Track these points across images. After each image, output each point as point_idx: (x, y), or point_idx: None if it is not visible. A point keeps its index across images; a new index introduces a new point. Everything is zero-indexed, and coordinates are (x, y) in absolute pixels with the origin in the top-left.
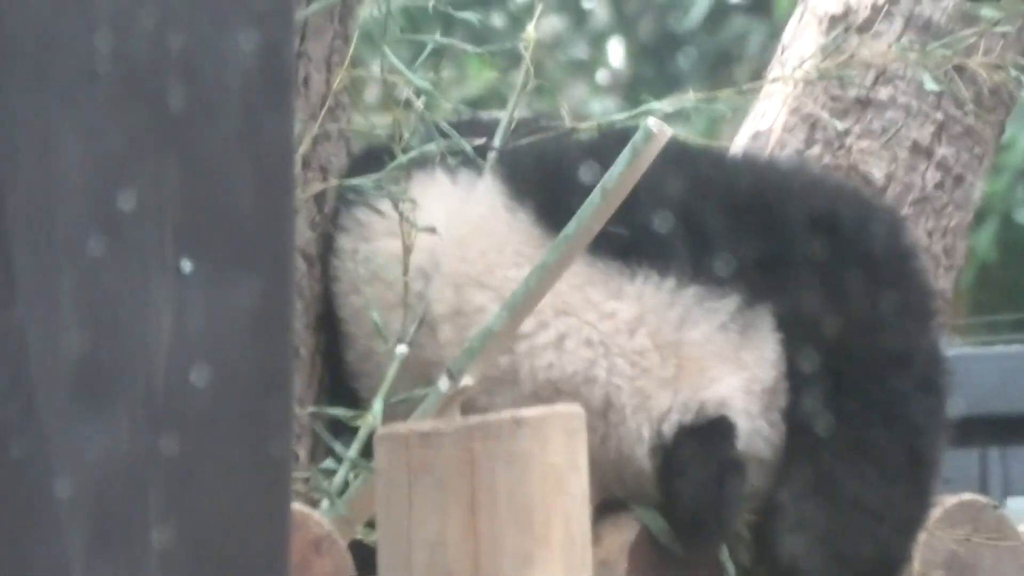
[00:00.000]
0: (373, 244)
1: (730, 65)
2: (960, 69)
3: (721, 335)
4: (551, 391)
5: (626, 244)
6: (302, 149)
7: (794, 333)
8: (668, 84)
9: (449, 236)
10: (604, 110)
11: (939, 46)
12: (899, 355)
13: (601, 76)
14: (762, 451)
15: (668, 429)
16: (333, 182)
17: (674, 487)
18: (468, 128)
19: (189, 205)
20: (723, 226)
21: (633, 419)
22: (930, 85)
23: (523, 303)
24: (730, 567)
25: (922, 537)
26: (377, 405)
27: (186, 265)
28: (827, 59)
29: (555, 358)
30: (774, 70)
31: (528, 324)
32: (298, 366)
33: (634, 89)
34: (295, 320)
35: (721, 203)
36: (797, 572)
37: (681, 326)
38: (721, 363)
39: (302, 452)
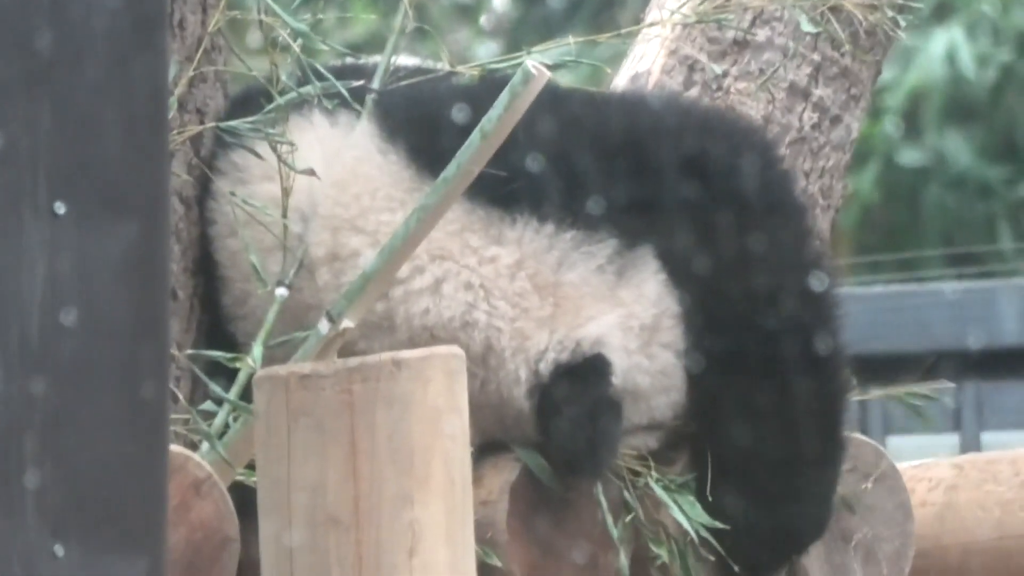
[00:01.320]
0: (250, 187)
1: (613, 9)
2: (836, 10)
3: (598, 276)
4: (427, 338)
5: (505, 190)
6: (178, 91)
7: (677, 271)
8: (551, 28)
9: (326, 179)
10: (488, 54)
11: None
12: (777, 286)
13: (485, 20)
14: (642, 385)
15: (545, 368)
16: (210, 124)
17: (551, 426)
18: (348, 72)
19: (61, 148)
20: (600, 170)
21: (512, 361)
22: (806, 26)
23: (402, 245)
24: (603, 503)
25: None
26: (257, 348)
27: (59, 208)
28: (705, 2)
29: (431, 303)
30: (652, 12)
31: (403, 270)
32: (176, 309)
33: (517, 33)
34: (171, 263)
35: (597, 147)
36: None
37: (559, 268)
38: (597, 303)
39: (181, 395)
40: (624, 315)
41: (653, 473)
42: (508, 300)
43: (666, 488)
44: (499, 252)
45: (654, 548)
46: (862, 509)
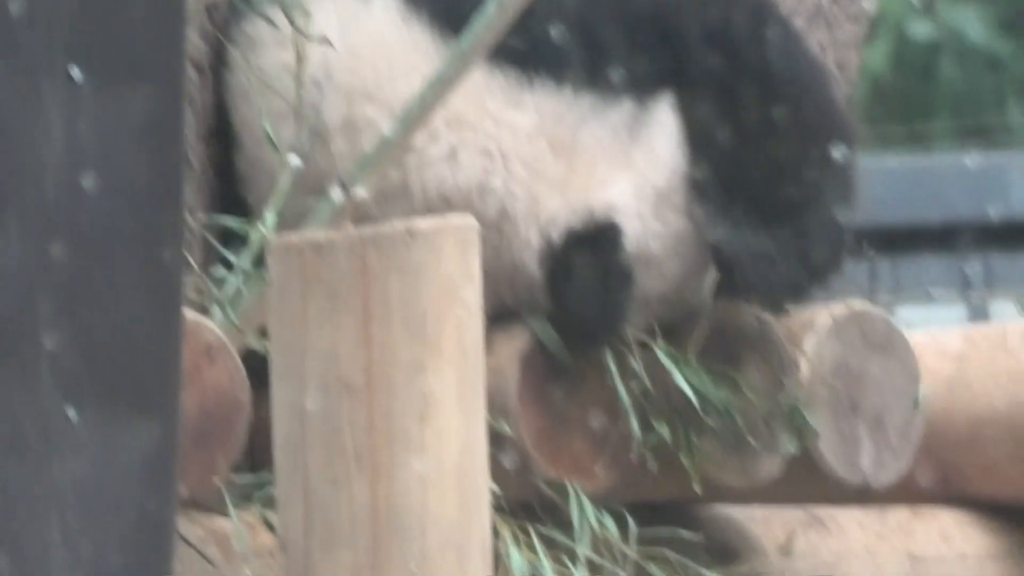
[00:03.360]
0: (262, 55)
1: None
2: None
3: (613, 138)
4: (443, 206)
5: (524, 53)
6: None
7: (693, 135)
8: None
9: (342, 47)
10: None
11: None
12: (797, 148)
13: None
14: (655, 251)
15: (557, 234)
16: None
17: (561, 293)
18: None
19: (79, 13)
20: (617, 34)
21: (524, 226)
22: None
23: (416, 115)
24: (613, 369)
25: (810, 345)
26: (270, 214)
27: (76, 73)
28: None
29: (448, 171)
30: None
31: (418, 138)
32: (189, 176)
33: None
34: (187, 129)
35: (616, 10)
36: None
37: (575, 131)
38: (611, 166)
39: (194, 261)
40: (638, 178)
41: (660, 342)
42: (524, 164)
43: (673, 359)
44: (517, 115)
45: (655, 424)
46: (870, 381)
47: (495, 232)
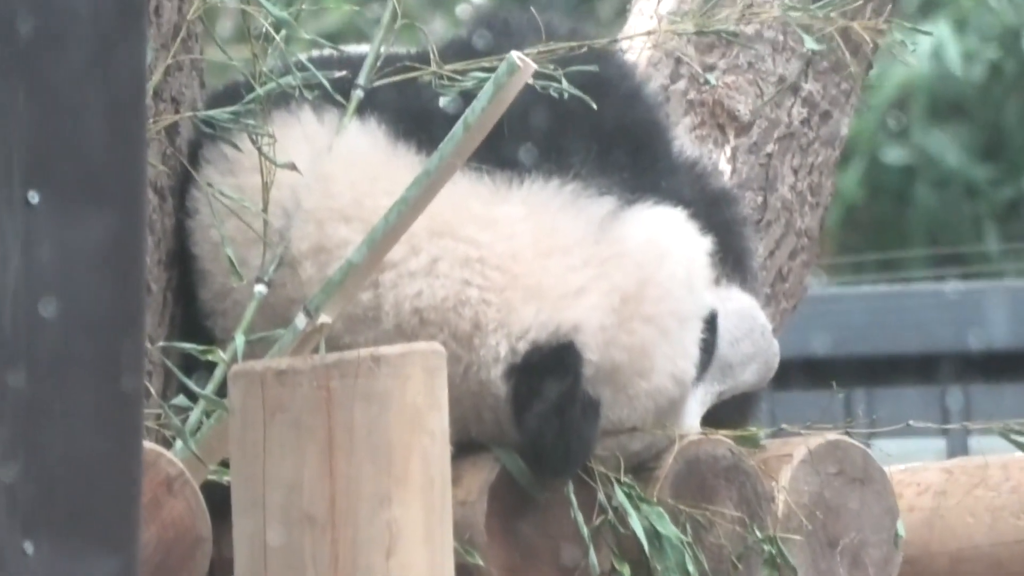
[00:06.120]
0: (239, 178)
1: None
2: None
3: (586, 230)
4: (416, 323)
5: (513, 154)
6: (154, 80)
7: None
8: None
9: (313, 174)
10: None
11: (822, 5)
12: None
13: (461, 10)
14: (620, 362)
15: (523, 347)
16: (187, 114)
17: (523, 411)
18: (326, 63)
19: (38, 136)
20: (610, 141)
21: (494, 337)
22: (810, 44)
23: (383, 238)
24: (573, 501)
25: (786, 477)
26: (239, 338)
27: (34, 197)
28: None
29: (425, 285)
30: (639, 4)
31: (397, 251)
32: (149, 302)
33: None
34: (147, 255)
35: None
36: None
37: (556, 217)
38: (584, 264)
39: (153, 390)
40: (604, 282)
41: (623, 478)
42: (502, 268)
43: (635, 496)
44: (503, 209)
45: (616, 564)
46: (848, 514)
47: (466, 347)
